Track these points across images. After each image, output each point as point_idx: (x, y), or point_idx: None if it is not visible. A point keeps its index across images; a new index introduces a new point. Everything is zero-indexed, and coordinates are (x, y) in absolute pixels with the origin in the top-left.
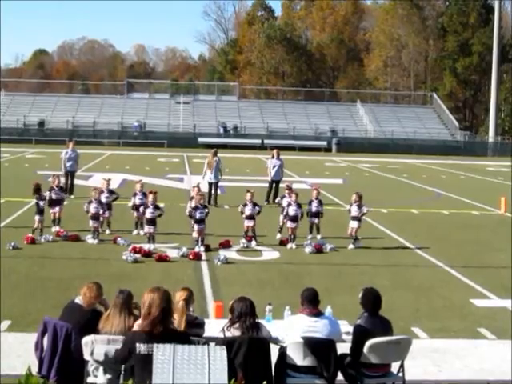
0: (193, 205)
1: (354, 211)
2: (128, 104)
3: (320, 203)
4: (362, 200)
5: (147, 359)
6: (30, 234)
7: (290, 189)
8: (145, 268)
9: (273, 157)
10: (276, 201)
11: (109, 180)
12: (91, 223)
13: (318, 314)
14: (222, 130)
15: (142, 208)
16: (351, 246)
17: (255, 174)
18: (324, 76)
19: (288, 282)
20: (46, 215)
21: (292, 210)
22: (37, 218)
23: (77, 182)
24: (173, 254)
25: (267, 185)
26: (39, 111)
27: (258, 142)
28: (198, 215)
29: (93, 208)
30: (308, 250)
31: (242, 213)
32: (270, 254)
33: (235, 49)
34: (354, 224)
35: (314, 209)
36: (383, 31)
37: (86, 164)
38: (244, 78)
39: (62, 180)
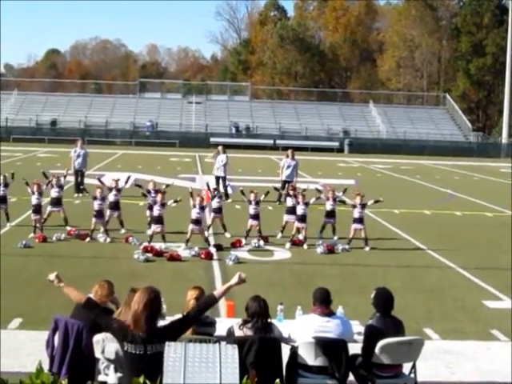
0: (194, 203)
1: (357, 213)
2: (140, 104)
3: (335, 201)
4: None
5: (134, 358)
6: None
7: (294, 189)
8: (156, 267)
9: (287, 156)
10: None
11: (118, 180)
12: (93, 220)
13: (330, 313)
14: (234, 130)
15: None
16: (367, 249)
17: (267, 174)
18: (337, 76)
19: (299, 283)
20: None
21: (300, 210)
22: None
23: (88, 181)
24: (184, 253)
25: (279, 185)
26: (52, 110)
27: (270, 142)
28: (194, 215)
29: (96, 205)
30: (320, 250)
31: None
32: (281, 255)
33: (248, 49)
34: (358, 226)
35: (329, 207)
36: (396, 32)
37: (98, 163)
38: (256, 78)
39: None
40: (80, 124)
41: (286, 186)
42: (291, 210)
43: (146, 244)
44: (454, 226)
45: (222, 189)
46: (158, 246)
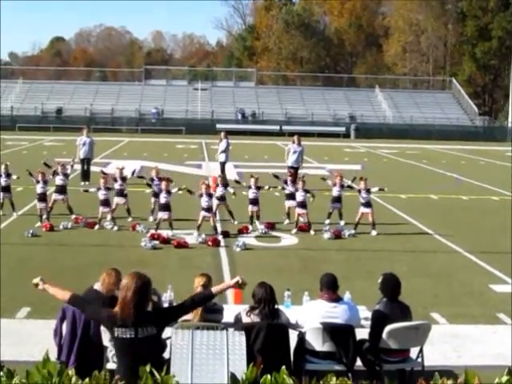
0: (200, 192)
1: (364, 198)
2: (146, 91)
3: (342, 188)
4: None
5: (125, 343)
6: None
7: (293, 175)
8: (163, 254)
9: (293, 142)
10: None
11: (122, 168)
12: (101, 209)
13: (337, 299)
14: (240, 117)
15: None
16: (374, 233)
17: (273, 160)
18: (342, 62)
19: (306, 268)
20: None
21: (300, 196)
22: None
23: (95, 168)
24: (191, 240)
25: (285, 171)
26: (57, 99)
27: (276, 128)
28: (204, 203)
29: (101, 195)
30: (327, 235)
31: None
32: (288, 240)
33: (253, 35)
34: (366, 210)
35: (335, 193)
36: (402, 16)
37: (104, 151)
38: (262, 63)
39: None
40: (86, 112)
41: (292, 171)
42: (291, 196)
43: (153, 231)
44: (460, 211)
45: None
46: (165, 233)
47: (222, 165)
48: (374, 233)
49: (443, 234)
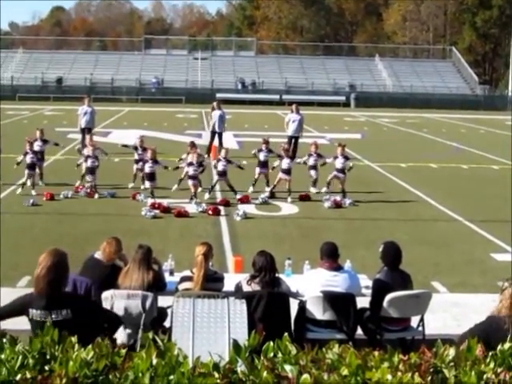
0: (189, 160)
1: (340, 163)
2: (146, 60)
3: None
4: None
5: (39, 325)
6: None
7: (266, 142)
8: (164, 223)
9: (292, 111)
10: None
11: (142, 137)
12: (87, 178)
13: (338, 268)
14: (239, 86)
15: (140, 163)
16: (327, 204)
17: (274, 129)
18: (342, 31)
19: (307, 237)
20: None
21: (285, 164)
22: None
23: (96, 138)
24: (192, 209)
25: (285, 140)
26: (57, 68)
27: (276, 97)
28: (191, 171)
29: (90, 163)
30: (327, 204)
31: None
32: (288, 209)
33: (252, 4)
34: (340, 176)
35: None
36: None
37: (104, 121)
38: (262, 33)
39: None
40: (86, 81)
41: (293, 141)
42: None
43: (153, 201)
44: (460, 179)
45: (217, 144)
46: (166, 202)
47: (220, 135)
48: (347, 202)
49: (443, 202)
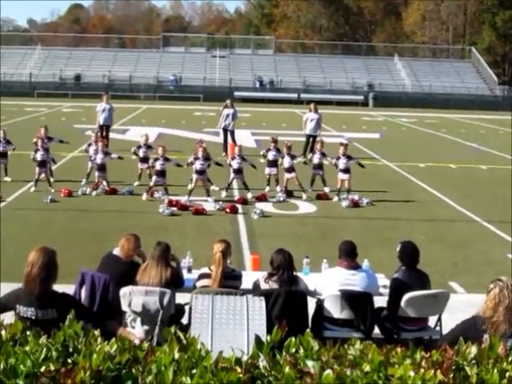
0: (194, 155)
1: (343, 164)
2: (164, 58)
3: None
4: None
5: (25, 323)
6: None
7: (275, 141)
8: (181, 221)
9: (310, 110)
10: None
11: (146, 135)
12: (97, 174)
13: (356, 266)
14: (258, 84)
15: (151, 161)
16: (344, 203)
17: (291, 128)
18: (361, 30)
19: (324, 236)
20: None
21: (286, 162)
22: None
23: (113, 135)
24: (209, 207)
25: (304, 139)
26: (75, 65)
27: (294, 96)
28: (198, 166)
29: (99, 159)
30: (345, 204)
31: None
32: (306, 208)
33: (271, 2)
34: (344, 176)
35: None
36: None
37: (122, 118)
38: (280, 31)
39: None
40: (104, 79)
41: (310, 140)
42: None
43: (170, 198)
44: (479, 180)
45: (230, 141)
46: (184, 199)
47: (232, 133)
48: (344, 203)
49: (462, 203)
